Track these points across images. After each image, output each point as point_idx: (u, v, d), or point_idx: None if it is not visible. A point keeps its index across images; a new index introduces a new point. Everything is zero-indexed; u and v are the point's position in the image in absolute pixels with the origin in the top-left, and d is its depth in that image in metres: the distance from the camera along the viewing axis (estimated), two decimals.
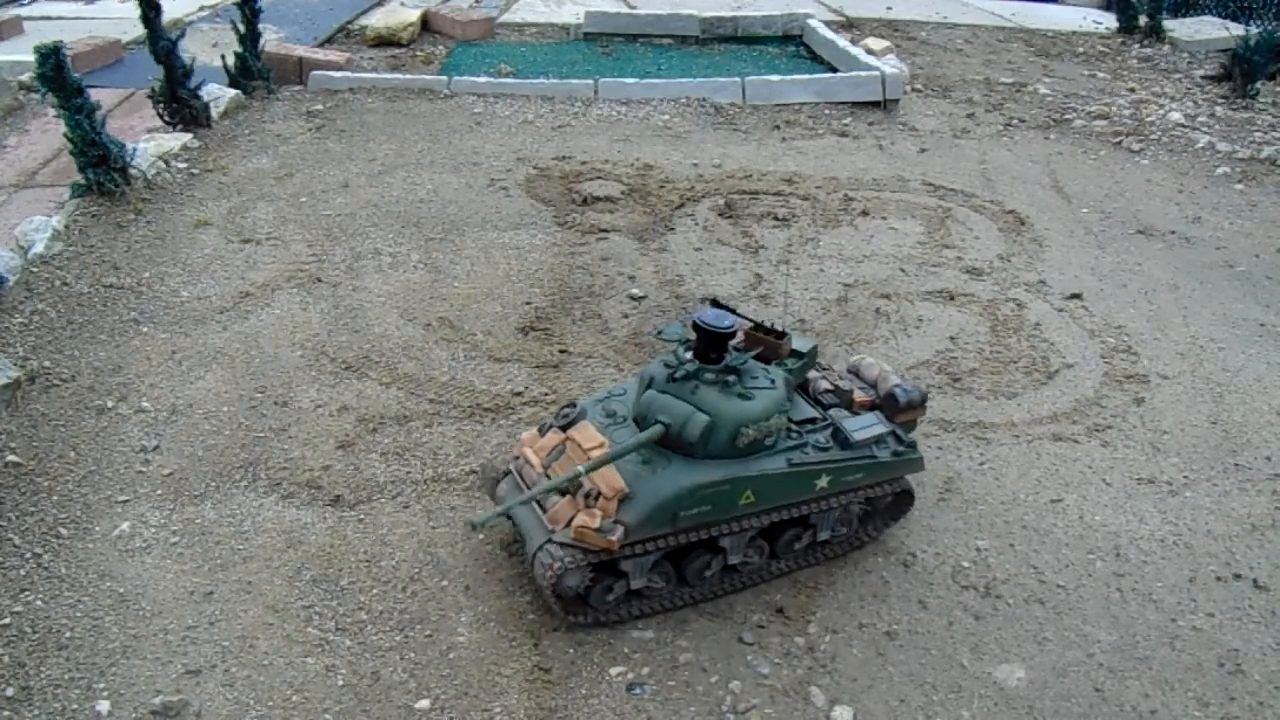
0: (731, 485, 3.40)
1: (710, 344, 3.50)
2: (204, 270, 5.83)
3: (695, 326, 3.51)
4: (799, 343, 3.89)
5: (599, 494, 3.31)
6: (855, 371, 4.10)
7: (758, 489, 3.45)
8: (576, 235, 6.39)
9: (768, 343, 3.83)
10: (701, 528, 3.46)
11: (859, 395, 3.91)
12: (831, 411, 3.80)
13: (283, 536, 3.97)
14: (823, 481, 3.57)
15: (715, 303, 3.76)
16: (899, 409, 3.86)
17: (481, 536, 3.96)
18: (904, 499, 3.96)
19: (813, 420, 3.71)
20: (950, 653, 3.54)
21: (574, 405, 3.64)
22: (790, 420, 3.63)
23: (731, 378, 3.44)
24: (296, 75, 9.01)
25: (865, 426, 3.72)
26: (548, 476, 3.46)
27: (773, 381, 3.51)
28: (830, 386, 3.93)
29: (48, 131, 7.69)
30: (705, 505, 3.39)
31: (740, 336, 3.83)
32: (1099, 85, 9.90)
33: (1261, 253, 6.60)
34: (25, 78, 8.46)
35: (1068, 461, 4.53)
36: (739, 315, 3.71)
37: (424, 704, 3.30)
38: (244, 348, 5.14)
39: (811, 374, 3.99)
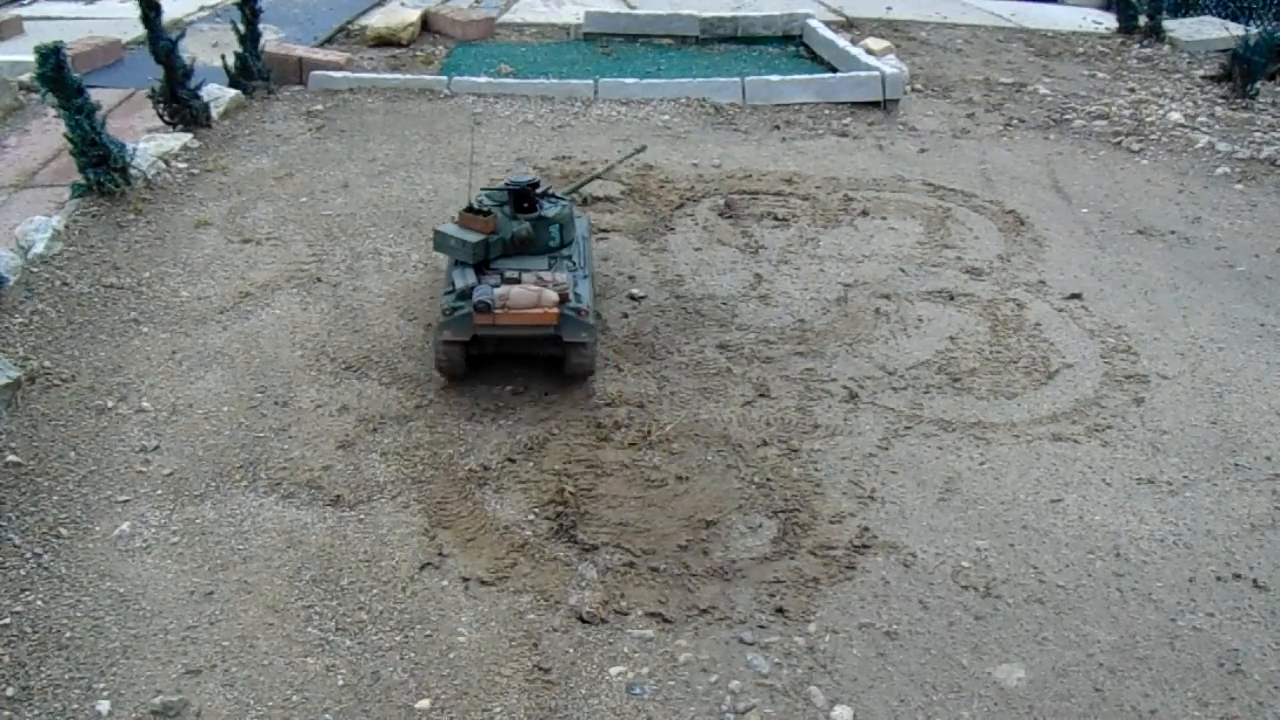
0: None
1: (520, 197, 4.90)
2: (204, 270, 5.83)
3: (509, 189, 4.92)
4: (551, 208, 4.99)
5: None
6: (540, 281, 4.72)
7: None
8: None
9: (477, 221, 4.82)
10: None
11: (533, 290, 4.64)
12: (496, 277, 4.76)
13: (283, 536, 3.97)
14: None
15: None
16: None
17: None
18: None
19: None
20: (950, 653, 3.55)
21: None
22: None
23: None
24: (296, 75, 9.01)
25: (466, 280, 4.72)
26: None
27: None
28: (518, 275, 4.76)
29: (48, 131, 7.69)
30: None
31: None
32: (1099, 85, 9.90)
33: (1261, 253, 6.60)
34: (25, 78, 8.45)
35: (1068, 461, 4.53)
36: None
37: (424, 704, 3.30)
38: (244, 348, 5.14)
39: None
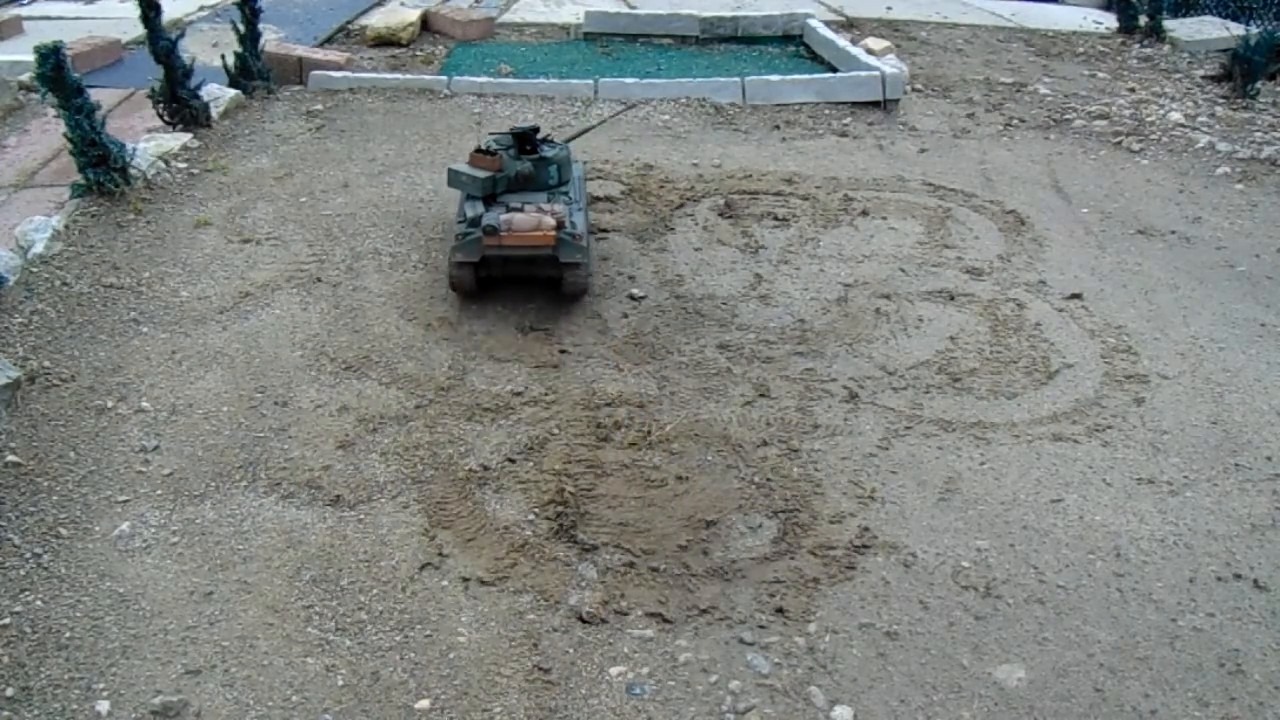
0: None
1: (523, 140, 5.68)
2: (204, 270, 5.83)
3: (513, 133, 5.71)
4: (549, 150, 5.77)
5: None
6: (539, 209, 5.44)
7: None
8: None
9: (485, 160, 5.56)
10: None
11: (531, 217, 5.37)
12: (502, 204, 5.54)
13: (283, 536, 3.97)
14: None
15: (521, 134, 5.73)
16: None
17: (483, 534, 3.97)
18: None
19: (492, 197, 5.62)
20: (950, 653, 3.55)
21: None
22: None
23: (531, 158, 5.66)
24: (296, 75, 9.01)
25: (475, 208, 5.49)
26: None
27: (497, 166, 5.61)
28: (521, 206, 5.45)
29: (48, 131, 7.69)
30: None
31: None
32: (1099, 85, 9.90)
33: (1261, 253, 6.60)
34: (25, 78, 8.45)
35: (1068, 461, 4.53)
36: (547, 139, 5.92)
37: (424, 704, 3.30)
38: (244, 348, 5.14)
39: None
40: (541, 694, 3.34)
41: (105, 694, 3.30)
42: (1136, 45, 11.28)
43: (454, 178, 5.66)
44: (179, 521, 4.02)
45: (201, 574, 3.78)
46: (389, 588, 3.75)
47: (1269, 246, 6.69)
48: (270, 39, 9.37)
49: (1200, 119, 8.97)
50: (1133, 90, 9.75)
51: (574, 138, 6.50)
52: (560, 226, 5.26)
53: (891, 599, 3.76)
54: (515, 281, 5.57)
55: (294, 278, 5.78)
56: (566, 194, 5.71)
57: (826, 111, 8.75)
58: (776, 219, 6.71)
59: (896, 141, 8.23)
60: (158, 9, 7.18)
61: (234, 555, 3.87)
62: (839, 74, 9.28)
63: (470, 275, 5.43)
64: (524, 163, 5.63)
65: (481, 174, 5.52)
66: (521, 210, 5.36)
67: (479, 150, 5.61)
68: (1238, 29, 11.17)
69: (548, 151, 5.74)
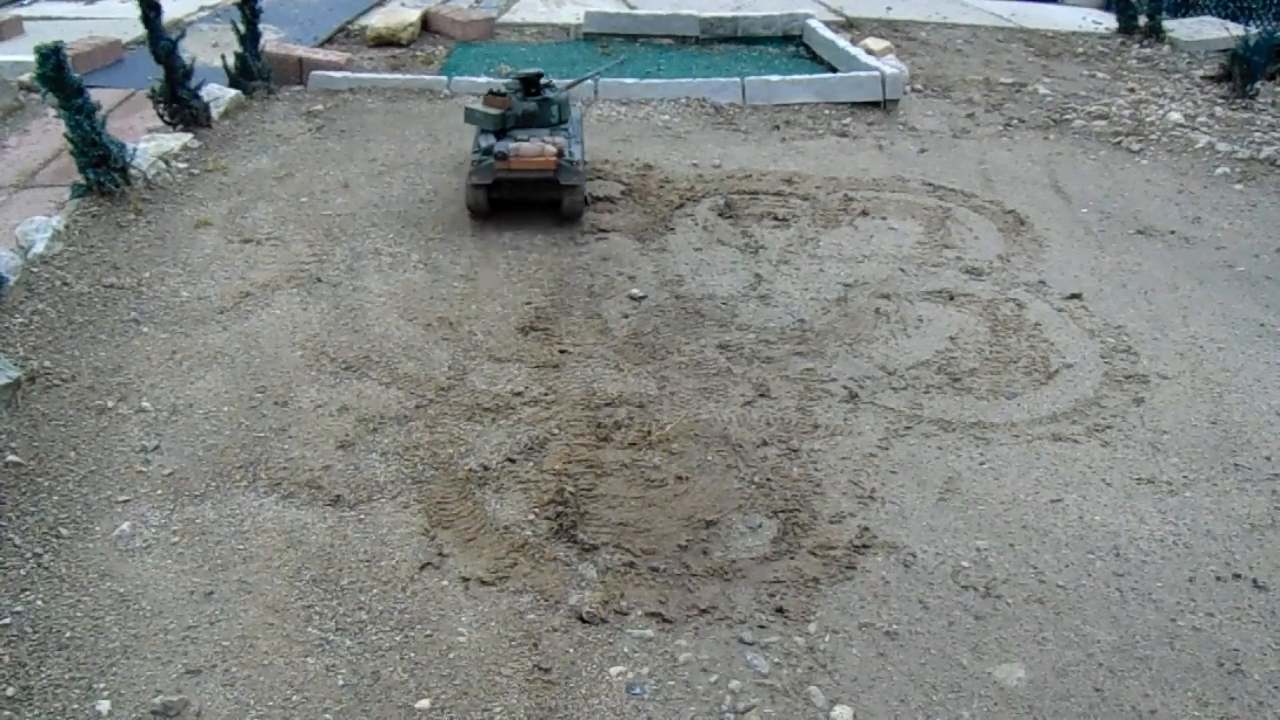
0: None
1: (528, 83, 6.60)
2: (204, 270, 5.83)
3: (520, 78, 6.62)
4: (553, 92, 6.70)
5: None
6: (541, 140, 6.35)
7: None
8: (576, 235, 6.40)
9: (497, 101, 6.48)
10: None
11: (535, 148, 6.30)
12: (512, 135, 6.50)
13: (283, 536, 3.97)
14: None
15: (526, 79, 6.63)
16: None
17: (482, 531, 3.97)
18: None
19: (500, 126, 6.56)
20: (950, 653, 3.55)
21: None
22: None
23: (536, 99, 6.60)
24: (296, 75, 9.01)
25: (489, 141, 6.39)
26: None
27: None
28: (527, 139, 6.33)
29: (48, 131, 7.69)
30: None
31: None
32: (1099, 85, 9.91)
33: (1261, 253, 6.60)
34: (25, 78, 8.45)
35: (1068, 461, 4.53)
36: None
37: (424, 704, 3.30)
38: (244, 348, 5.14)
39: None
40: (541, 694, 3.34)
41: (105, 694, 3.30)
42: (1136, 45, 11.29)
43: (470, 115, 6.58)
44: (179, 521, 4.02)
45: (202, 574, 3.78)
46: (389, 588, 3.75)
47: (1268, 246, 6.69)
48: (270, 39, 9.37)
49: (1200, 119, 8.97)
50: (1132, 90, 9.75)
51: (571, 85, 7.34)
52: (560, 154, 6.18)
53: (891, 599, 3.76)
54: (522, 205, 6.50)
55: (294, 278, 5.79)
56: (566, 130, 6.60)
57: (826, 111, 8.75)
58: (776, 219, 6.71)
59: (896, 141, 8.23)
60: (158, 9, 7.19)
61: (234, 555, 3.87)
62: (839, 74, 9.28)
63: (484, 197, 6.35)
64: (530, 102, 6.52)
65: (494, 111, 6.47)
66: (528, 141, 6.26)
67: (492, 92, 6.53)
68: (1237, 29, 11.17)
69: (550, 94, 6.66)
